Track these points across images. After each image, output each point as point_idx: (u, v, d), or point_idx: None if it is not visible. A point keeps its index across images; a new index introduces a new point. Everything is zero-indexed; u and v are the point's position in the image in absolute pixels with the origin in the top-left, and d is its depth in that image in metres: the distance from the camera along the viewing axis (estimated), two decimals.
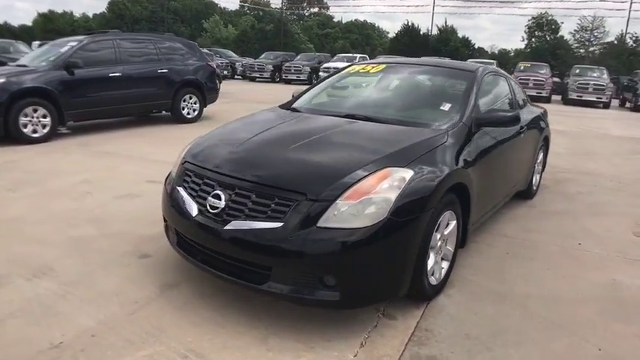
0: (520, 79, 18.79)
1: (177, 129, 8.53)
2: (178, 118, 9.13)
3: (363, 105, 3.80)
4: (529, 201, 5.01)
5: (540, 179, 5.41)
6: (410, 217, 2.41)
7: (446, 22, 47.04)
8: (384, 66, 4.18)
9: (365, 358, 2.29)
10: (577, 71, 20.64)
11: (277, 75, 24.62)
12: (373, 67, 4.17)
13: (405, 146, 2.77)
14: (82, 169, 5.48)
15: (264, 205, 2.41)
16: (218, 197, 2.51)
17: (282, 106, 3.97)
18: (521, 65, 22.41)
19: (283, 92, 18.10)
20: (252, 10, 59.98)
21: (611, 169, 6.86)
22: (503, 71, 4.60)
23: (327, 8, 65.73)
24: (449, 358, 2.34)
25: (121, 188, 4.75)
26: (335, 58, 25.40)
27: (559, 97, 20.50)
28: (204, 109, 9.71)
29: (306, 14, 65.32)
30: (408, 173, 2.50)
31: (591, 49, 42.35)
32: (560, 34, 43.10)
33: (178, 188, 2.82)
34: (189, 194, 2.72)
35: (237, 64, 26.55)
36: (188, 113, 9.31)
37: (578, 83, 18.97)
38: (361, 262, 2.33)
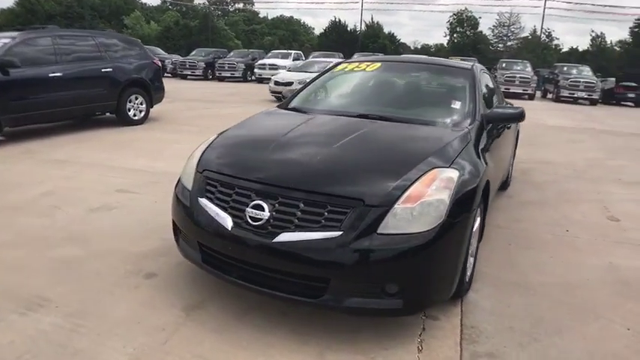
0: (506, 76, 19.85)
1: (124, 132, 7.94)
2: (124, 120, 8.49)
3: (375, 104, 3.68)
4: (505, 192, 5.21)
5: (512, 170, 5.67)
6: (462, 217, 2.39)
7: (372, 18, 48.26)
8: (379, 64, 4.10)
9: None
10: (504, 65, 21.99)
11: (210, 72, 23.86)
12: (368, 66, 4.09)
13: (441, 146, 2.73)
14: (36, 180, 4.90)
15: (315, 213, 2.25)
16: (260, 208, 2.32)
17: (281, 106, 3.79)
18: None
19: (221, 89, 17.68)
20: (175, 6, 57.66)
21: (563, 158, 7.36)
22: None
23: (252, 4, 64.80)
24: (505, 353, 2.34)
25: (91, 200, 4.30)
26: (270, 54, 25.05)
27: None
28: (150, 109, 9.12)
29: (231, 10, 63.94)
30: (454, 173, 2.46)
31: (509, 43, 45.44)
32: (479, 29, 45.86)
33: (202, 200, 2.56)
34: (219, 206, 2.47)
35: (166, 61, 25.34)
36: (134, 115, 8.69)
37: (506, 76, 20.18)
38: (423, 266, 2.26)
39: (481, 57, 38.76)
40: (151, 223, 3.79)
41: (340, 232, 2.18)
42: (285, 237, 2.23)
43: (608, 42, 46.29)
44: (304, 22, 71.94)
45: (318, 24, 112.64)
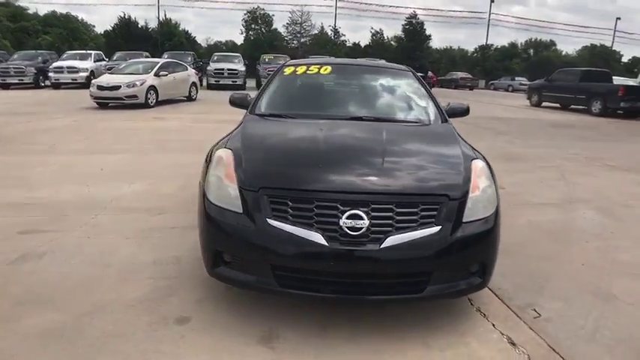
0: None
1: None
2: None
3: (355, 106, 3.76)
4: None
5: None
6: (499, 199, 2.72)
7: (165, 14, 45.87)
8: (329, 67, 4.15)
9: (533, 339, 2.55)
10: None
11: (42, 79, 19.62)
12: (319, 69, 4.10)
13: (454, 140, 3.09)
14: None
15: (411, 213, 2.33)
16: (358, 217, 2.26)
17: (256, 114, 3.58)
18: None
19: (20, 99, 14.58)
20: None
21: None
22: None
23: None
24: (569, 317, 2.76)
25: None
26: (65, 56, 21.70)
27: None
28: None
29: None
30: (483, 163, 2.82)
31: (303, 40, 48.78)
32: (274, 27, 48.10)
33: (272, 221, 2.31)
34: (300, 224, 2.28)
35: None
36: None
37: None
38: (493, 244, 2.55)
39: (280, 53, 40.78)
40: (113, 263, 3.15)
41: (439, 227, 2.33)
42: (391, 241, 2.26)
43: (386, 38, 53.95)
44: (82, 19, 63.97)
45: (97, 21, 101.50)
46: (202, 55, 36.90)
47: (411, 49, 48.56)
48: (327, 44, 46.73)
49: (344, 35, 53.03)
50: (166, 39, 42.82)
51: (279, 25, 61.74)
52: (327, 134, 3.02)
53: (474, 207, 2.46)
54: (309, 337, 2.40)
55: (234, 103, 3.95)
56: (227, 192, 2.50)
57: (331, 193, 2.36)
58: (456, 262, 2.43)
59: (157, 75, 12.64)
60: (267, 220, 2.32)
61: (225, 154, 2.76)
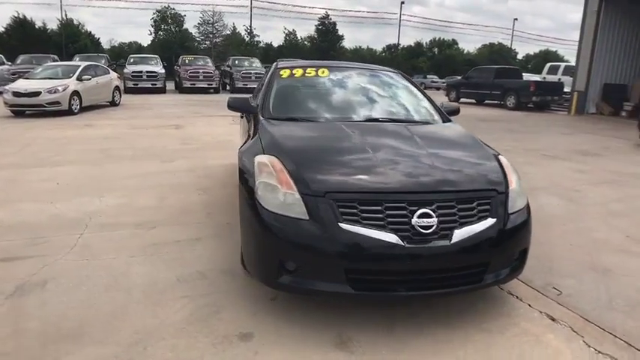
0: (190, 72, 19.68)
1: None
2: None
3: (364, 108, 3.78)
4: None
5: None
6: None
7: (66, 15, 42.03)
8: (325, 69, 4.13)
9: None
10: (186, 61, 22.21)
11: None
12: (316, 71, 4.08)
13: (472, 137, 3.32)
14: None
15: (469, 209, 2.47)
16: (427, 215, 2.34)
17: (269, 117, 3.45)
18: (186, 59, 22.64)
19: None
20: None
21: None
22: None
23: None
24: (584, 291, 3.02)
25: None
26: None
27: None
28: None
29: None
30: (505, 158, 3.04)
31: (215, 40, 47.42)
32: (185, 27, 46.25)
33: (345, 225, 2.29)
34: (372, 226, 2.30)
35: None
36: None
37: (242, 73, 21.40)
38: (530, 232, 2.76)
39: (190, 54, 39.29)
40: (133, 285, 2.87)
41: (494, 219, 2.50)
42: (458, 235, 2.36)
43: (300, 38, 54.31)
44: None
45: None
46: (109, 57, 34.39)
47: (325, 50, 49.52)
48: (240, 45, 46.02)
49: (258, 36, 52.62)
50: (70, 41, 39.45)
51: (190, 25, 59.69)
52: (366, 137, 3.03)
53: (513, 199, 2.66)
54: (379, 337, 2.40)
55: (233, 107, 3.77)
56: (286, 199, 2.42)
57: (398, 194, 2.42)
58: (507, 251, 2.60)
59: (79, 79, 11.58)
60: (340, 224, 2.30)
61: (269, 161, 2.66)
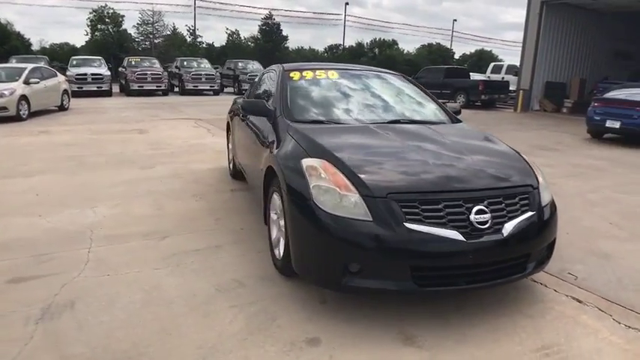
0: (137, 74, 18.94)
1: None
2: None
3: (382, 110, 3.83)
4: None
5: None
6: None
7: None
8: (334, 71, 4.14)
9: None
10: (185, 63, 22.29)
11: None
12: (326, 73, 4.08)
13: (494, 137, 3.51)
14: None
15: (513, 204, 2.63)
16: (482, 212, 2.47)
17: (298, 122, 3.41)
18: (132, 60, 21.63)
19: None
20: None
21: None
22: None
23: None
24: (595, 275, 3.25)
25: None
26: None
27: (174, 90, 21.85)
28: None
29: None
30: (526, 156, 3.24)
31: (156, 41, 45.55)
32: (124, 27, 44.06)
33: (410, 225, 2.36)
34: (435, 224, 2.40)
35: None
36: None
37: (192, 75, 20.78)
38: (557, 223, 2.94)
39: (130, 55, 37.66)
40: (171, 298, 2.75)
41: (533, 212, 2.68)
42: (507, 229, 2.51)
43: (243, 38, 53.35)
44: None
45: None
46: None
47: (270, 50, 49.13)
48: (182, 45, 44.60)
49: (201, 36, 51.18)
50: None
51: (129, 25, 57.01)
52: (403, 139, 3.11)
53: (543, 193, 2.84)
54: (438, 331, 2.48)
55: (248, 110, 3.67)
56: (347, 201, 2.45)
57: (455, 192, 2.52)
58: (543, 241, 2.77)
59: (27, 83, 10.73)
60: (405, 224, 2.36)
61: (320, 164, 2.66)
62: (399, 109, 3.87)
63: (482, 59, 66.25)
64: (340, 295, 2.76)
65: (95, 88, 17.87)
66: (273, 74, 4.31)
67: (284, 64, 4.31)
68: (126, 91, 19.35)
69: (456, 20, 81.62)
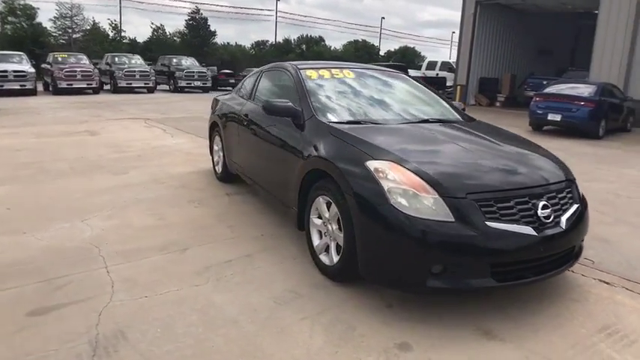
0: (66, 72, 17.56)
1: None
2: None
3: (411, 109, 3.86)
4: None
5: None
6: None
7: None
8: (349, 71, 4.06)
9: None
10: (116, 59, 20.96)
11: None
12: (340, 72, 3.99)
13: (516, 134, 3.70)
14: None
15: (563, 197, 2.78)
16: (546, 207, 2.58)
17: (334, 123, 3.29)
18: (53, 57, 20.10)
19: None
20: None
21: None
22: None
23: None
24: (606, 258, 3.50)
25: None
26: None
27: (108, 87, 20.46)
28: None
29: None
30: None
31: (75, 35, 42.16)
32: (38, 20, 40.35)
33: (491, 223, 2.42)
34: (510, 221, 2.47)
35: None
36: None
37: (125, 72, 19.54)
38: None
39: (47, 50, 34.62)
40: (234, 317, 2.54)
41: (578, 204, 2.88)
42: (564, 221, 2.66)
43: (168, 33, 50.97)
44: None
45: None
46: None
47: (198, 46, 47.51)
48: (104, 40, 41.80)
49: (124, 31, 48.10)
50: None
51: (44, 18, 52.29)
52: (453, 139, 3.15)
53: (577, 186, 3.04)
54: (507, 322, 2.56)
55: (274, 111, 3.47)
56: (425, 203, 2.43)
57: (522, 189, 2.59)
58: (585, 231, 2.95)
59: None
60: (486, 223, 2.40)
61: (387, 166, 2.60)
62: (424, 109, 3.88)
63: (405, 56, 68.87)
64: (404, 298, 2.73)
65: (18, 87, 16.21)
66: (283, 74, 4.13)
67: (294, 63, 4.13)
68: (53, 90, 17.74)
69: (384, 18, 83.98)
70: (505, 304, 2.72)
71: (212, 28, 52.25)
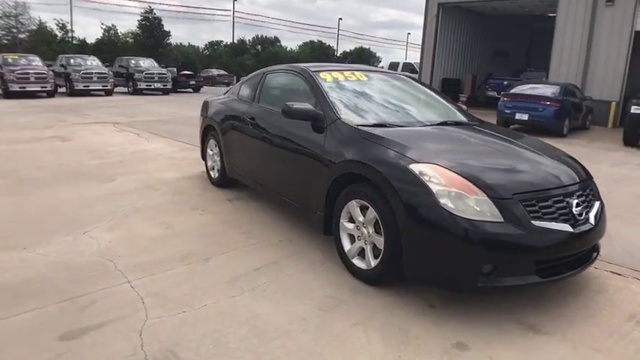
0: (18, 74, 16.57)
1: None
2: None
3: (428, 112, 3.91)
4: None
5: None
6: None
7: None
8: (361, 74, 4.06)
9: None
10: (72, 61, 19.89)
11: None
12: (353, 75, 3.97)
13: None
14: None
15: (587, 194, 2.90)
16: (579, 205, 2.69)
17: (362, 126, 3.26)
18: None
19: None
20: None
21: None
22: None
23: None
24: (614, 253, 3.64)
25: None
26: None
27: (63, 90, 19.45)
28: None
29: None
30: None
31: (21, 36, 39.85)
32: None
33: (537, 222, 2.51)
34: (551, 219, 2.57)
35: None
36: None
37: (82, 74, 18.64)
38: None
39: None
40: (283, 330, 2.46)
41: (599, 201, 3.03)
42: (592, 217, 2.78)
43: (120, 33, 49.18)
44: None
45: None
46: None
47: (152, 46, 46.18)
48: (52, 41, 39.83)
49: (73, 31, 45.82)
50: None
51: None
52: (484, 142, 3.23)
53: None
54: (544, 316, 2.65)
55: (295, 115, 3.37)
56: (475, 204, 2.47)
57: (557, 188, 2.70)
58: (606, 227, 3.05)
59: None
60: (532, 222, 2.47)
61: (431, 168, 2.62)
62: (438, 111, 3.93)
63: (361, 57, 69.76)
64: (445, 298, 2.76)
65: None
66: (293, 77, 4.06)
67: (304, 65, 4.07)
68: (4, 94, 16.65)
69: (341, 19, 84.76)
70: (535, 299, 2.80)
71: (166, 29, 50.95)
